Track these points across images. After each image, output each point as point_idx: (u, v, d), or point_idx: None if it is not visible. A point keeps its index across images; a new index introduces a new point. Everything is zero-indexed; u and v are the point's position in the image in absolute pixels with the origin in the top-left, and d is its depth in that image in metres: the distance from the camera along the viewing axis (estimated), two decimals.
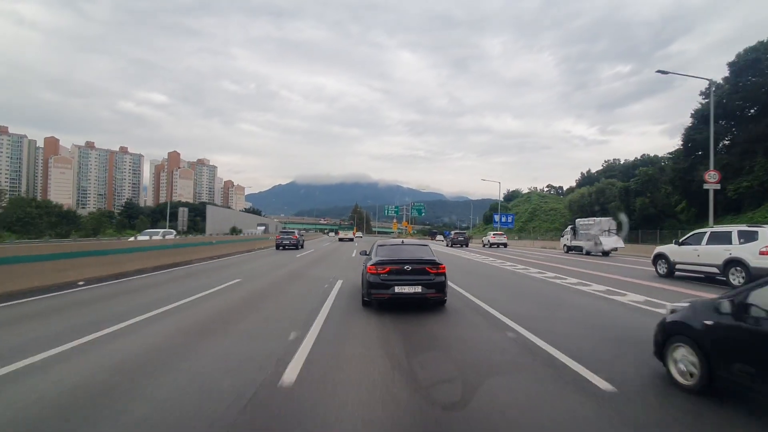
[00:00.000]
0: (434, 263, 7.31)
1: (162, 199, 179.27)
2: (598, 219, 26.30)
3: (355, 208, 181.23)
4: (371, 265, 7.31)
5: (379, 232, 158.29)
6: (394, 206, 64.70)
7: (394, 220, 69.19)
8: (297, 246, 29.38)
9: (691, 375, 3.61)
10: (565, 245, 29.18)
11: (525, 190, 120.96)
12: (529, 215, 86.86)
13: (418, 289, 7.02)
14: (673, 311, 4.09)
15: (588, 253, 25.36)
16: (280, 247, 28.79)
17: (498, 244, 38.33)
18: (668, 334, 3.90)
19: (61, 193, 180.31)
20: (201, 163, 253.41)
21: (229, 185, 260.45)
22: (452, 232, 47.74)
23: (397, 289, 6.98)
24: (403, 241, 8.80)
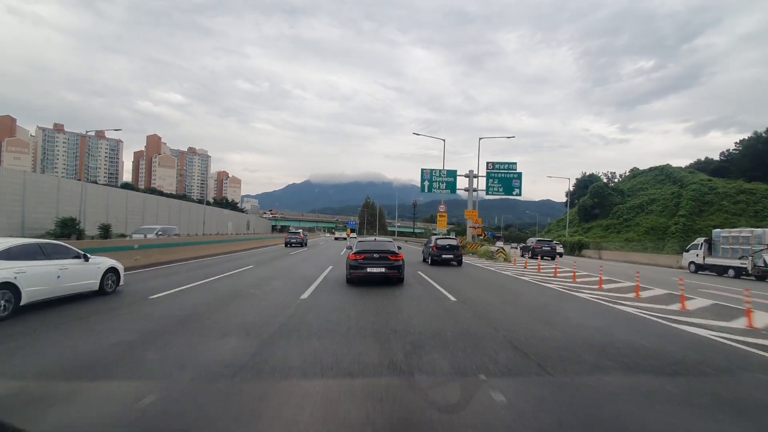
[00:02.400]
0: (394, 253, 11.28)
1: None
2: (760, 230, 20.05)
3: (366, 203, 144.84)
4: (352, 254, 11.35)
5: (399, 233, 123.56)
6: (443, 171, 27.76)
7: (441, 210, 32.41)
8: (302, 244, 34.77)
9: (424, 259, 21.14)
10: (692, 263, 22.88)
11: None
12: (695, 205, 46.51)
13: (382, 270, 11.00)
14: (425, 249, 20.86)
15: (738, 276, 19.93)
16: (288, 245, 33.90)
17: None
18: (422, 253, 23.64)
19: None
20: (192, 151, 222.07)
21: (223, 176, 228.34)
22: (533, 239, 34.07)
23: (368, 270, 10.99)
24: (375, 239, 13.65)
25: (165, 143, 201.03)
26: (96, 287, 8.34)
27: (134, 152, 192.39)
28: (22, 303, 6.58)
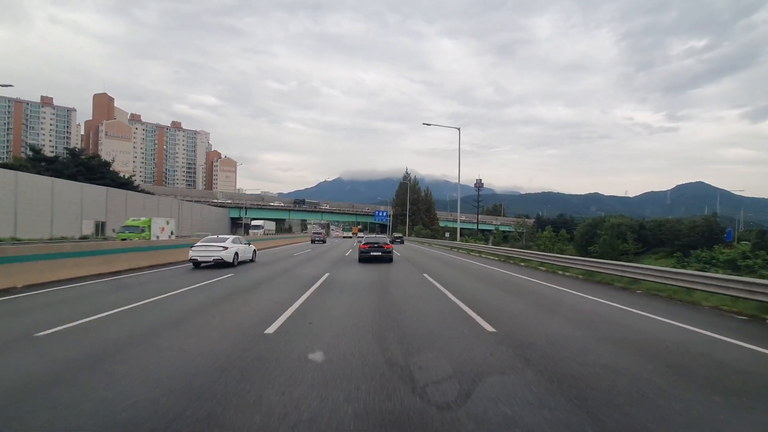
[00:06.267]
0: (386, 243, 18.72)
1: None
2: None
3: (405, 181, 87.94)
4: (362, 244, 18.92)
5: (446, 229, 69.20)
6: None
7: None
8: (324, 241, 45.09)
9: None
10: None
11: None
12: None
13: (379, 253, 18.07)
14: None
15: None
16: (314, 242, 42.70)
17: None
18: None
19: None
20: (176, 126, 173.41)
21: (213, 157, 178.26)
22: None
23: (371, 253, 18.07)
24: (375, 235, 29.55)
25: (131, 112, 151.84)
26: (251, 258, 17.32)
27: (85, 121, 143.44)
28: (238, 260, 15.61)
